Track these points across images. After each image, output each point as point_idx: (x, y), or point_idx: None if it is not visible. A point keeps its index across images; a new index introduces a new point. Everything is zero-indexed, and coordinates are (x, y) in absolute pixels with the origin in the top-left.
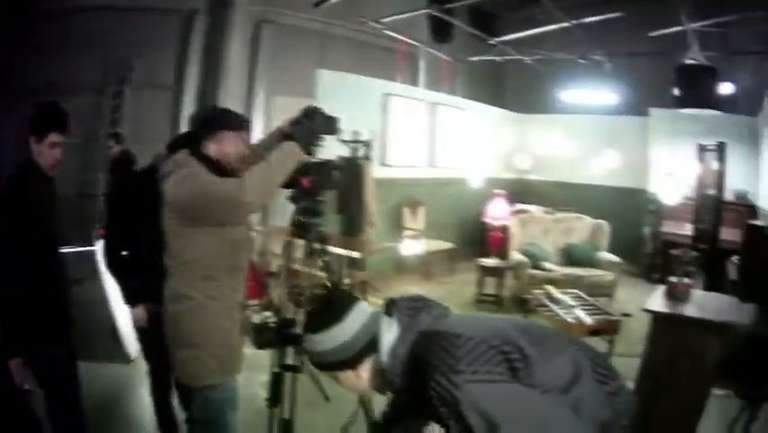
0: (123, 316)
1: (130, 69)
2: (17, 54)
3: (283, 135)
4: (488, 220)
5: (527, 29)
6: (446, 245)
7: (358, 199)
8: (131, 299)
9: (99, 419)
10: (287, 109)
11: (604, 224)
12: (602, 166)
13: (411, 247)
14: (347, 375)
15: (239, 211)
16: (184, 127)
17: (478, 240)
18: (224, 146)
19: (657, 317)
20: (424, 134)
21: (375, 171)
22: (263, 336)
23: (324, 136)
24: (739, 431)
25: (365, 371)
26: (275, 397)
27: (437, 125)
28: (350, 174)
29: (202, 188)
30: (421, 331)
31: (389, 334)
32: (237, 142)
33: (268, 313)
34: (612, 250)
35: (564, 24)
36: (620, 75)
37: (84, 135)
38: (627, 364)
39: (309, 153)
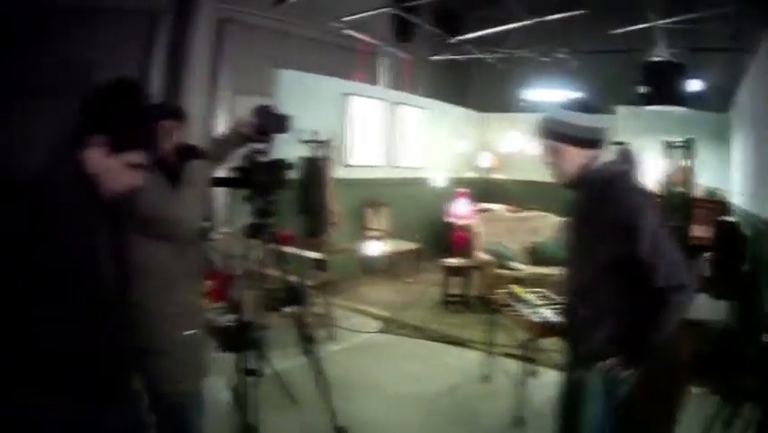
0: None
1: (93, 71)
2: None
3: (241, 137)
4: (451, 220)
5: (490, 27)
6: (411, 246)
7: (319, 200)
8: None
9: None
10: (248, 109)
11: None
12: None
13: (375, 248)
14: (567, 150)
15: (179, 231)
16: None
17: (442, 240)
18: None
19: None
20: (384, 134)
21: (336, 172)
22: (227, 339)
23: (274, 135)
24: (718, 429)
25: (576, 155)
26: (239, 401)
27: (398, 125)
28: (310, 174)
29: (156, 204)
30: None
31: (609, 155)
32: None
33: (232, 316)
34: None
35: (526, 22)
36: (584, 73)
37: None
38: None
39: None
